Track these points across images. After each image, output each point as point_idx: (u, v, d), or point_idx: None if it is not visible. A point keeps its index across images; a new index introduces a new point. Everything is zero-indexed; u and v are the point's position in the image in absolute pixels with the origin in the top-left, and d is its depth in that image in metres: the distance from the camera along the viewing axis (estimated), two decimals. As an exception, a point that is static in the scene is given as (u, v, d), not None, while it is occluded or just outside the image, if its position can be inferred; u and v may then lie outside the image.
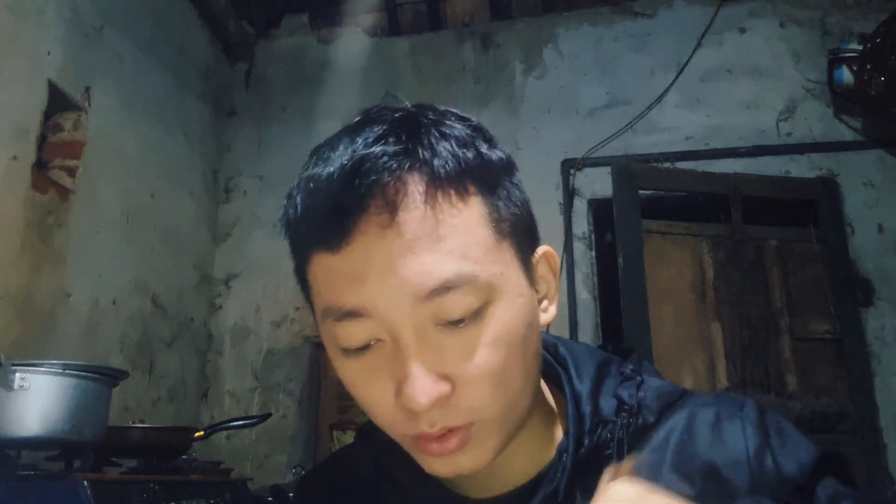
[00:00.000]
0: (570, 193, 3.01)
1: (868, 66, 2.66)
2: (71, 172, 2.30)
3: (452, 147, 0.50)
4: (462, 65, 3.34)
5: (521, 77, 3.26)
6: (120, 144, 2.57)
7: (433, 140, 0.50)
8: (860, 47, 2.71)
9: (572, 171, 3.04)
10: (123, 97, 2.61)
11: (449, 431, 0.50)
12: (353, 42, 3.50)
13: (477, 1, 3.38)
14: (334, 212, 0.49)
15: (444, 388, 0.49)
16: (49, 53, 2.20)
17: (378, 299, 0.48)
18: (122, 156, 2.58)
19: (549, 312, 0.57)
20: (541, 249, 0.57)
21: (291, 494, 2.07)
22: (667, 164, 2.93)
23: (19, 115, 2.07)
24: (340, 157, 0.50)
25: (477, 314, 0.49)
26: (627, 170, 2.65)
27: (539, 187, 3.00)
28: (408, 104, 0.55)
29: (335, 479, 0.69)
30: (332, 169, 0.50)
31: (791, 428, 0.56)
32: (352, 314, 0.49)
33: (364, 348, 0.50)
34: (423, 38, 3.44)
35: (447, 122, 0.53)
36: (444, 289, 0.47)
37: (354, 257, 0.48)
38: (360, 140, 0.50)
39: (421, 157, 0.49)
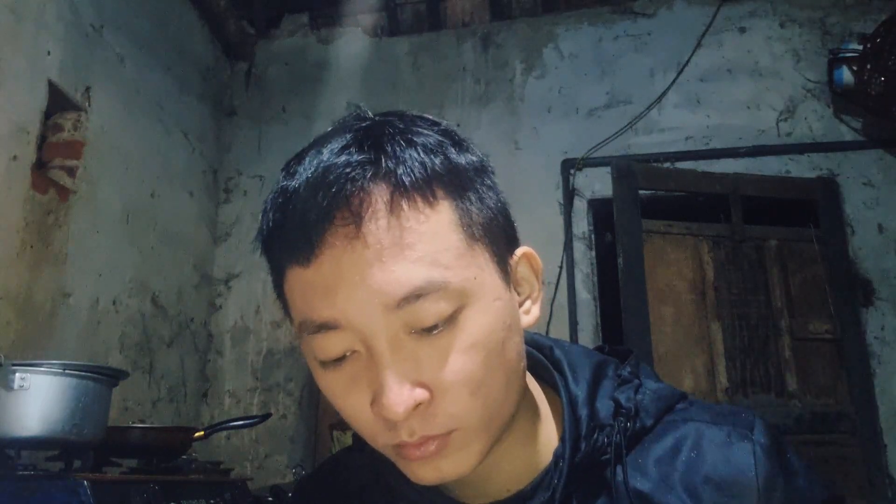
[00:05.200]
0: (570, 193, 3.01)
1: (868, 66, 2.66)
2: (71, 172, 2.30)
3: (418, 154, 0.50)
4: (462, 65, 3.34)
5: (521, 77, 3.26)
6: (120, 144, 2.57)
7: (398, 148, 0.50)
8: (860, 47, 2.71)
9: (572, 171, 3.04)
10: (123, 97, 2.60)
11: (428, 438, 0.50)
12: (353, 42, 3.50)
13: (477, 1, 3.38)
14: (302, 225, 0.49)
15: (420, 396, 0.48)
16: (49, 53, 2.20)
17: (349, 310, 0.48)
18: (122, 156, 2.58)
19: (531, 314, 0.57)
20: (520, 251, 0.56)
21: (290, 494, 2.06)
22: (667, 164, 2.93)
23: (19, 115, 2.07)
24: (306, 170, 0.50)
25: (451, 320, 0.48)
26: (627, 170, 2.65)
27: (539, 187, 3.01)
28: (370, 113, 0.55)
29: (331, 484, 0.69)
30: (298, 182, 0.50)
31: (803, 462, 0.57)
32: (326, 326, 0.49)
33: (340, 359, 0.50)
34: (423, 38, 3.44)
35: (414, 128, 0.52)
36: (415, 296, 0.47)
37: (324, 270, 0.48)
38: (325, 151, 0.50)
39: (384, 165, 0.49)
